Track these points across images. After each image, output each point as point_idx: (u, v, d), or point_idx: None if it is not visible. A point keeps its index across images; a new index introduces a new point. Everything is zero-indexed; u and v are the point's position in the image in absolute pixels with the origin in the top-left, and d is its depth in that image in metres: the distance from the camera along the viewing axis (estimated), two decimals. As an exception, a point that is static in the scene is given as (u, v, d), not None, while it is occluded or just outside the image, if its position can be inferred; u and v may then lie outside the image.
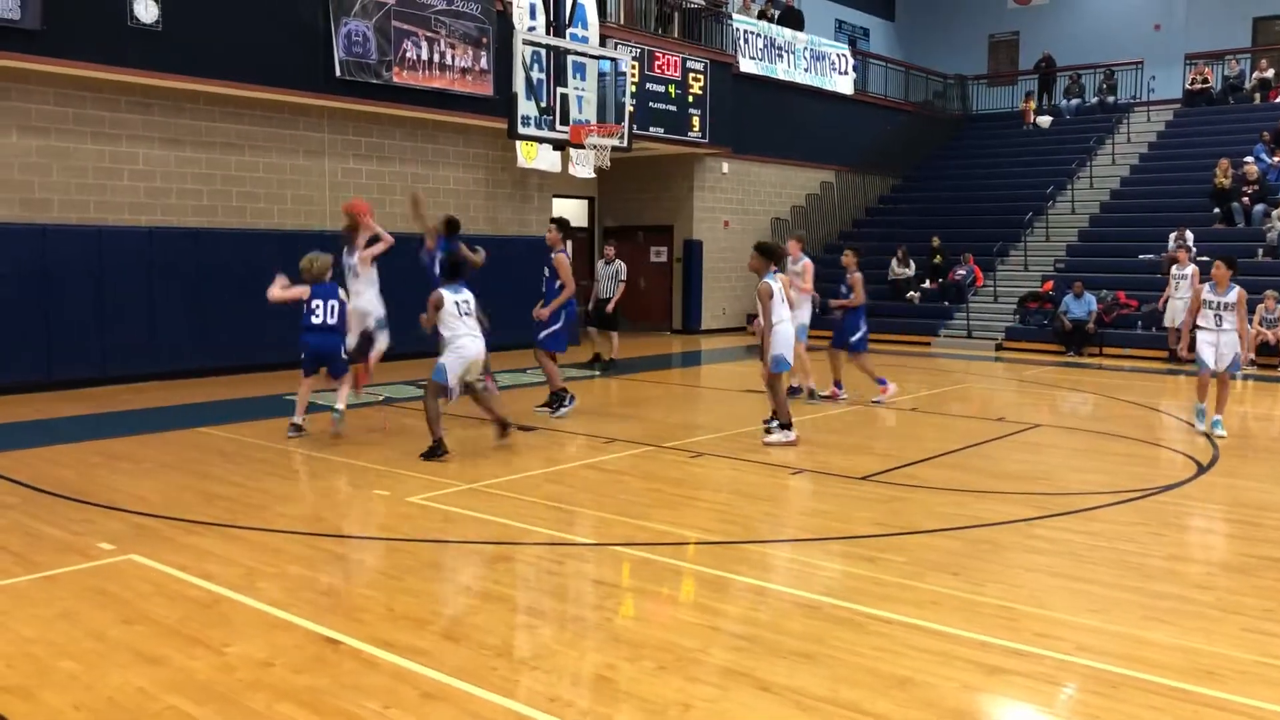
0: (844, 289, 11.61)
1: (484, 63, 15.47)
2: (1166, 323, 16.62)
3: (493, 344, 16.73)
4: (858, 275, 11.58)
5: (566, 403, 10.50)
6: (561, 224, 10.85)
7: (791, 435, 9.04)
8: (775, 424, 9.14)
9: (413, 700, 4.00)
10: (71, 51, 11.52)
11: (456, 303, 8.29)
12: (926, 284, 20.79)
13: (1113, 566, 5.74)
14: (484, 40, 15.46)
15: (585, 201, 21.62)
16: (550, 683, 4.18)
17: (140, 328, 12.72)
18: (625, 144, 12.64)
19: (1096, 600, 5.16)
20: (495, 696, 4.02)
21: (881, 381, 11.64)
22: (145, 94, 12.74)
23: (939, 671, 4.29)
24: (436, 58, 14.84)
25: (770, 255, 9.04)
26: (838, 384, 11.74)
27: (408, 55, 14.49)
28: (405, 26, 14.42)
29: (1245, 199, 19.18)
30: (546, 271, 10.57)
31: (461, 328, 8.25)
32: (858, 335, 11.56)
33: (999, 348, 18.49)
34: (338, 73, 13.72)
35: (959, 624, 4.80)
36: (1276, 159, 20.08)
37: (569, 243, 11.44)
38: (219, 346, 13.45)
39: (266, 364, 13.82)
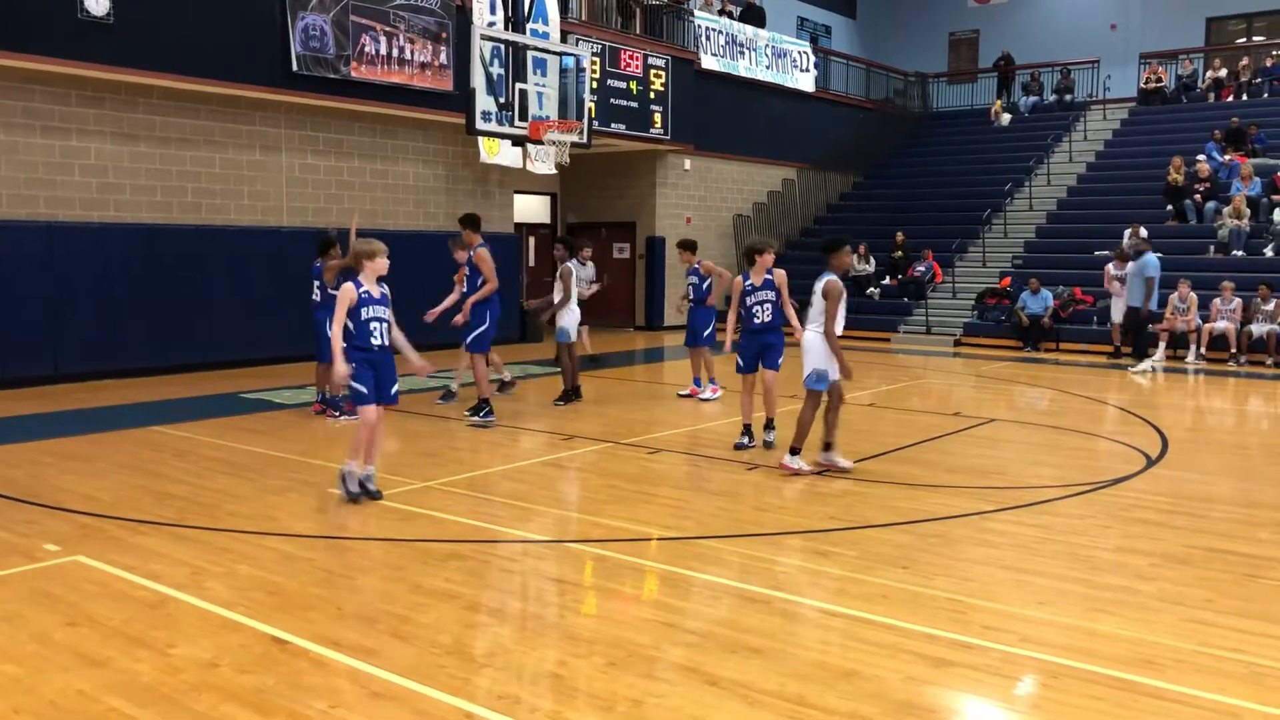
0: (701, 283, 11.64)
1: (443, 58, 15.38)
2: (1116, 318, 16.80)
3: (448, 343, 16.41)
4: (708, 263, 11.71)
5: (483, 414, 9.93)
6: (471, 220, 10.18)
7: (805, 465, 7.86)
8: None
9: (360, 699, 3.98)
10: (21, 44, 11.31)
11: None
12: (886, 280, 20.95)
13: (1061, 559, 5.83)
14: (443, 35, 15.37)
15: (547, 198, 21.56)
16: (501, 680, 4.18)
17: (93, 325, 12.51)
18: (585, 140, 12.62)
19: (1044, 592, 5.24)
20: (444, 695, 4.01)
21: (712, 382, 11.65)
22: (97, 88, 12.54)
23: (886, 664, 4.33)
24: (395, 52, 14.74)
25: (834, 249, 7.76)
26: (697, 381, 11.80)
27: (366, 50, 14.38)
28: (363, 21, 14.31)
29: (1197, 196, 19.50)
30: (468, 270, 10.28)
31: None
32: (709, 330, 11.59)
33: (957, 343, 18.68)
34: (295, 67, 13.58)
35: (907, 617, 4.85)
36: (1228, 157, 20.43)
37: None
38: (173, 344, 13.28)
39: (222, 362, 13.70)
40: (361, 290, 6.73)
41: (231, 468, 8.02)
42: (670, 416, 10.83)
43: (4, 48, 11.23)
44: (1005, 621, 4.81)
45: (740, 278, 8.61)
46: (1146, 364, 14.94)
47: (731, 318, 9.02)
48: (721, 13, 22.26)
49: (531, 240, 20.86)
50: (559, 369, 11.32)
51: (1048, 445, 9.53)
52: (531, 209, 20.91)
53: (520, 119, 11.80)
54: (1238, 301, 16.05)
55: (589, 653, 4.43)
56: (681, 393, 11.90)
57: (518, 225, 19.22)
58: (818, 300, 7.63)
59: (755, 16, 23.28)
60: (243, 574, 5.44)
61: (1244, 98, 23.76)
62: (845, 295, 7.63)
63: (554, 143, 12.27)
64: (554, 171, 17.39)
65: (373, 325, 6.78)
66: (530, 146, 14.81)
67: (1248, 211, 18.34)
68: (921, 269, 20.38)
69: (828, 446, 7.87)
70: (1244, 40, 26.80)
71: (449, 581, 5.40)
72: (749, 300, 8.61)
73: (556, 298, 10.94)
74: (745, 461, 8.32)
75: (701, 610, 5.00)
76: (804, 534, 6.32)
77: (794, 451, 7.77)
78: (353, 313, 6.71)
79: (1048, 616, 4.87)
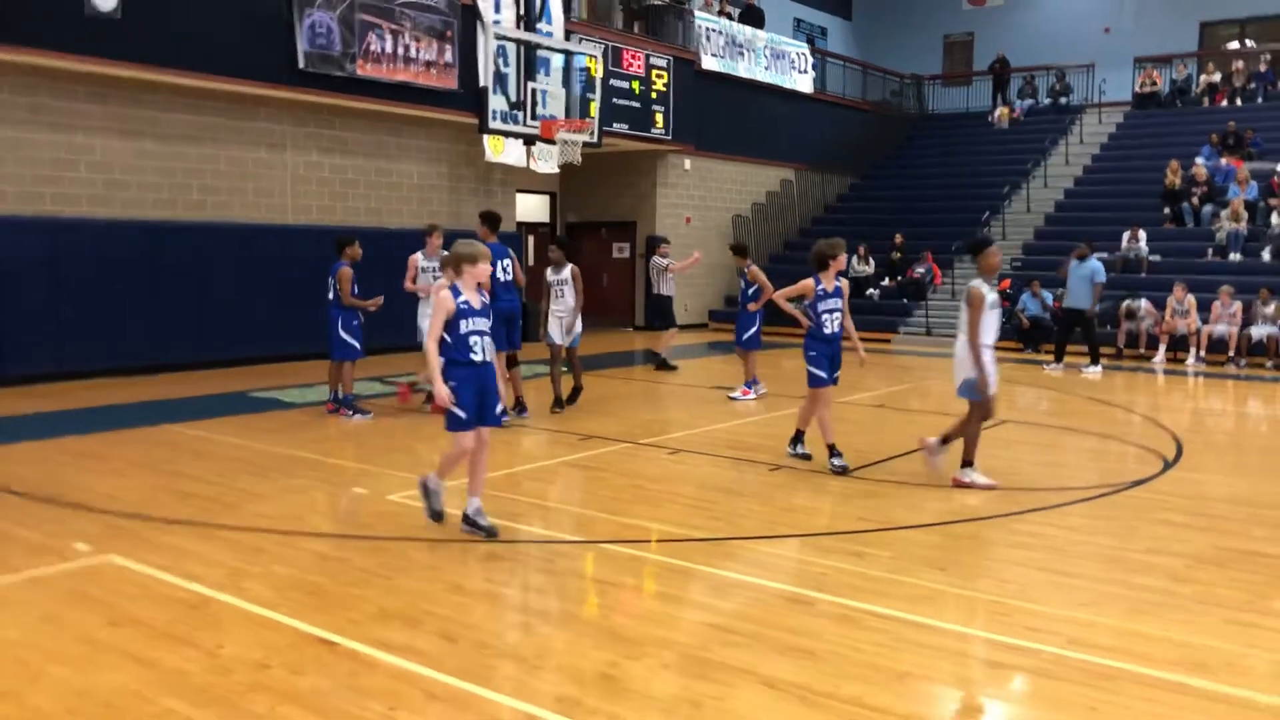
0: (747, 288, 11.79)
1: (449, 56, 15.32)
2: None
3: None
4: (755, 269, 11.81)
5: (516, 413, 10.03)
6: (483, 218, 10.00)
7: (984, 479, 7.53)
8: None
9: (418, 701, 3.96)
10: (27, 39, 11.21)
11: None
12: (886, 282, 21.01)
13: (1094, 560, 5.85)
14: (449, 34, 15.31)
15: (546, 197, 21.52)
16: (555, 682, 4.16)
17: (99, 323, 12.43)
18: (595, 139, 12.60)
19: (1084, 594, 5.25)
20: (501, 696, 3.99)
21: (747, 385, 11.71)
22: (103, 84, 12.44)
23: (937, 665, 4.34)
24: (401, 50, 14.68)
25: (979, 249, 7.57)
26: (752, 382, 11.85)
27: (372, 48, 14.32)
28: (369, 19, 14.25)
29: (1194, 200, 19.63)
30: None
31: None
32: (750, 332, 11.74)
33: (958, 345, 18.70)
34: (301, 64, 13.51)
35: (952, 619, 4.86)
36: (1224, 161, 20.57)
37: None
38: (178, 342, 13.20)
39: (227, 360, 13.62)
40: (460, 300, 5.91)
41: (251, 467, 7.97)
42: (683, 417, 10.83)
43: (10, 42, 11.14)
44: (1050, 623, 4.82)
45: (811, 281, 8.09)
46: (1097, 368, 15.10)
47: (782, 300, 8.51)
48: (721, 13, 22.27)
49: (530, 239, 20.81)
50: (555, 372, 10.97)
51: (1062, 447, 9.57)
52: (531, 208, 20.87)
53: (531, 118, 11.77)
54: (1237, 305, 16.15)
55: (639, 654, 4.42)
56: (732, 395, 11.82)
57: (517, 224, 19.17)
58: (961, 308, 7.45)
59: (754, 17, 23.30)
60: (280, 574, 5.41)
61: (1238, 102, 23.94)
62: (990, 302, 7.26)
63: (565, 142, 12.25)
64: (556, 171, 17.35)
65: (473, 339, 5.97)
66: (536, 145, 14.79)
67: (1245, 215, 18.47)
68: (921, 270, 20.44)
69: (967, 463, 7.55)
70: (1236, 45, 26.96)
71: (488, 582, 5.39)
72: (820, 307, 8.05)
73: (571, 301, 10.49)
74: (768, 462, 8.32)
75: (746, 611, 4.99)
76: (836, 535, 6.33)
77: (967, 464, 7.53)
78: (450, 325, 5.92)
79: (1092, 618, 4.88)
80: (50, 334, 12.07)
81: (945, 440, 7.77)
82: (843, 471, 7.87)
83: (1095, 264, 15.19)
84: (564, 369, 11.05)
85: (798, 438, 8.44)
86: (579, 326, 10.67)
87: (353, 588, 5.25)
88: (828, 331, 8.08)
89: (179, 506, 6.74)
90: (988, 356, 7.35)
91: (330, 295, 10.06)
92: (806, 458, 8.35)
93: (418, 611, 4.91)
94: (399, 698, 3.98)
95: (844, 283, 8.23)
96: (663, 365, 14.47)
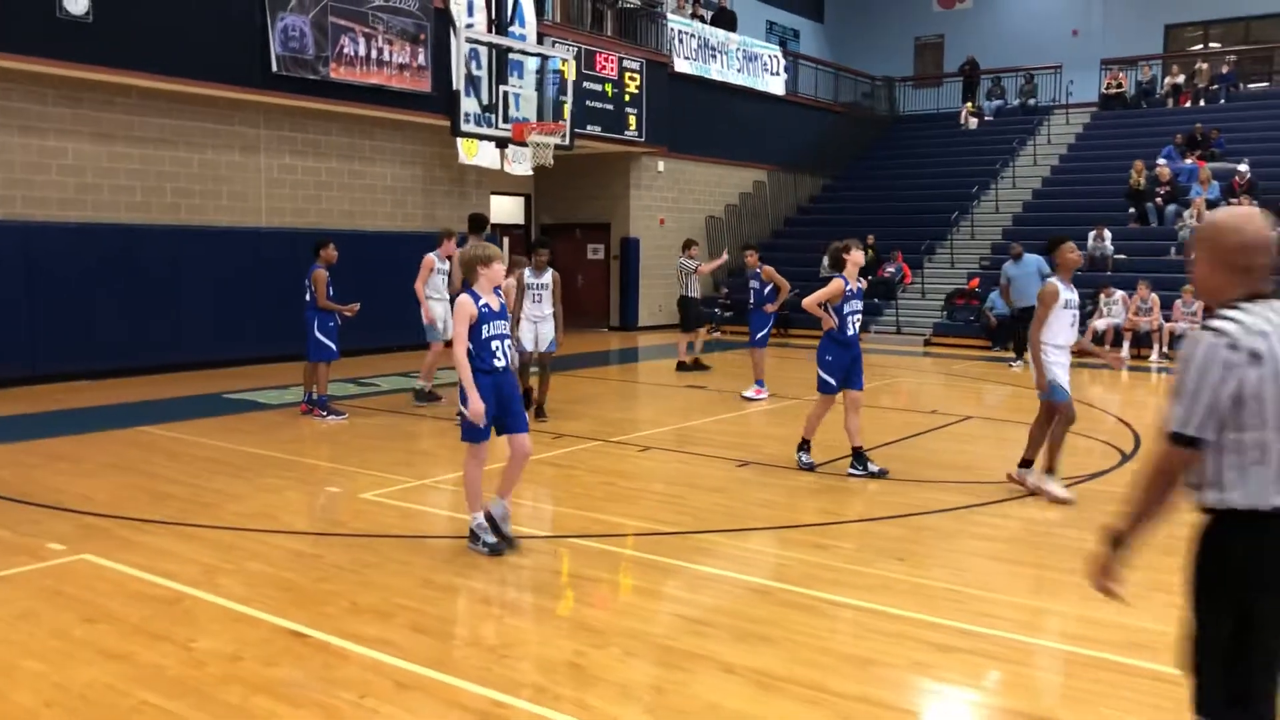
0: (762, 288, 11.97)
1: (421, 59, 15.40)
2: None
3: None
4: (769, 269, 11.99)
5: None
6: (469, 220, 10.18)
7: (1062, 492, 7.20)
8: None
9: (388, 690, 4.07)
10: (-2, 42, 11.22)
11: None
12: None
13: (1050, 550, 6.03)
14: (421, 37, 15.39)
15: (521, 199, 21.62)
16: (523, 670, 4.28)
17: (72, 326, 12.43)
18: (568, 142, 12.72)
19: (1038, 581, 5.44)
20: (469, 684, 4.11)
21: (758, 384, 11.88)
22: (75, 87, 12.43)
23: (894, 651, 4.49)
24: (374, 53, 14.74)
25: (1054, 248, 7.26)
26: (759, 383, 11.99)
27: (345, 51, 14.37)
28: (342, 22, 14.30)
29: (1158, 199, 19.97)
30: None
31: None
32: (763, 332, 11.91)
33: (927, 343, 18.98)
34: (274, 68, 13.54)
35: (909, 606, 5.02)
36: (1187, 161, 20.94)
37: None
38: (152, 345, 13.21)
39: (201, 362, 13.64)
40: (480, 304, 5.71)
41: (225, 467, 8.04)
42: (654, 415, 10.97)
43: (-19, 46, 11.14)
44: (1004, 610, 4.99)
45: (841, 281, 7.78)
46: (1020, 363, 15.45)
47: (814, 306, 7.85)
48: (693, 16, 22.43)
49: (506, 241, 20.90)
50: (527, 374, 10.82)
51: (1023, 441, 9.72)
52: (506, 210, 20.96)
53: (504, 121, 11.88)
54: (1198, 304, 16.47)
55: (604, 643, 4.55)
56: (745, 393, 11.88)
57: (493, 226, 19.25)
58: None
59: (726, 20, 23.48)
60: (254, 571, 5.50)
61: (1201, 103, 24.34)
62: (1065, 302, 6.97)
63: (538, 144, 12.36)
64: (530, 172, 17.45)
65: (494, 344, 5.77)
66: (509, 147, 14.88)
67: (1207, 214, 18.79)
68: (891, 270, 20.68)
69: (1026, 464, 7.37)
70: (1201, 47, 27.41)
71: (458, 576, 5.50)
72: (845, 308, 7.76)
73: (548, 308, 10.08)
74: (735, 459, 8.47)
75: (709, 601, 5.13)
76: (800, 528, 6.48)
77: (1048, 471, 7.27)
78: (471, 330, 5.71)
79: (1044, 604, 5.07)
80: (23, 337, 12.06)
81: (1049, 469, 7.31)
82: (809, 468, 8.02)
83: (1035, 258, 15.44)
84: (534, 370, 11.08)
85: (858, 456, 7.91)
86: (553, 333, 10.16)
87: (325, 583, 5.35)
88: (850, 334, 7.85)
89: (153, 507, 6.80)
90: (1059, 357, 7.16)
91: (306, 297, 10.13)
92: (881, 474, 7.85)
93: (389, 605, 5.02)
94: (369, 687, 4.09)
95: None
96: (690, 364, 14.41)
